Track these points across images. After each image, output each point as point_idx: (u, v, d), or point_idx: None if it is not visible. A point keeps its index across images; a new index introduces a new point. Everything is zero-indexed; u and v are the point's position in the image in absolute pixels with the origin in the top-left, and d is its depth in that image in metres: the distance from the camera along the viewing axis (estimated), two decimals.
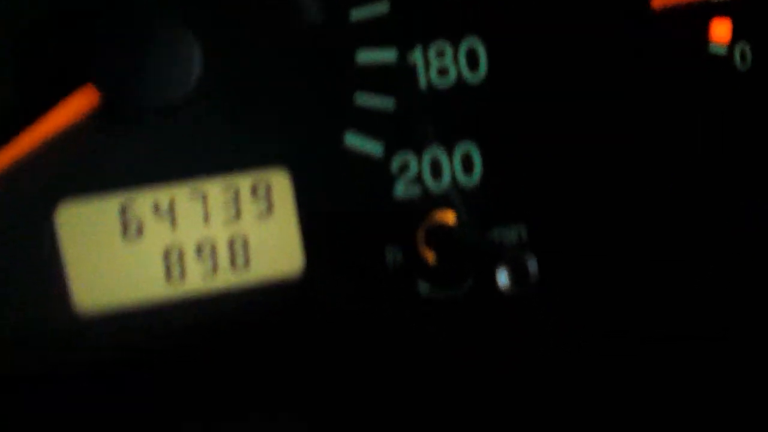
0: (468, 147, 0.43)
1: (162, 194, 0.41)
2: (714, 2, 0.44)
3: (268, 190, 0.42)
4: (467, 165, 0.43)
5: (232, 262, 0.42)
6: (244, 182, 0.42)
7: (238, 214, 0.42)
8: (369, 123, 0.42)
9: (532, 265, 0.37)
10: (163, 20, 0.38)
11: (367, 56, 0.42)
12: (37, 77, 0.39)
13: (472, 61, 0.43)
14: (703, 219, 0.46)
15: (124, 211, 0.41)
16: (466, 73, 0.43)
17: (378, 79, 0.42)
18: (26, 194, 0.40)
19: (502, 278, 0.37)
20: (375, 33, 0.42)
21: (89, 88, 0.38)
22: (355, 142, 0.42)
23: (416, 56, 0.42)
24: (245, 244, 0.42)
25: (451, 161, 0.43)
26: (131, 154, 0.41)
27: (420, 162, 0.43)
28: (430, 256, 0.43)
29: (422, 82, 0.43)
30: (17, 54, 0.39)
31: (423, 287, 0.44)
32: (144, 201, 0.41)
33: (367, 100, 0.42)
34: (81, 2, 0.39)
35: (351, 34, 0.42)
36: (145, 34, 0.38)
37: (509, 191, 0.44)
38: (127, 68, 0.38)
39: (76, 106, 0.38)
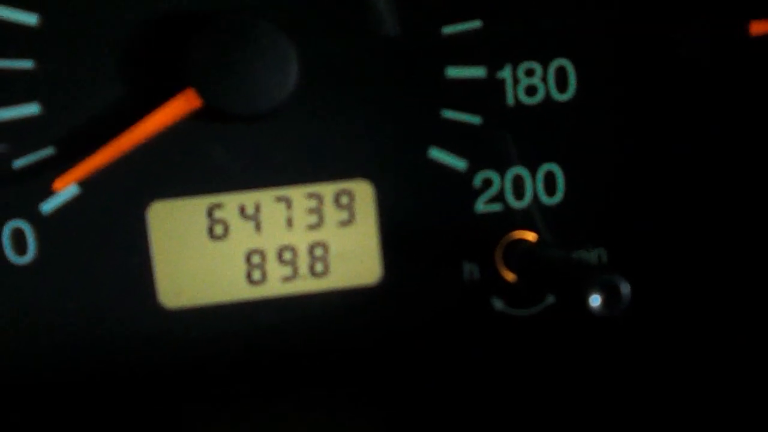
0: (552, 167, 0.43)
1: (248, 198, 0.42)
2: None
3: (351, 199, 0.43)
4: (550, 185, 0.43)
5: (312, 268, 0.43)
6: (327, 191, 0.42)
7: (320, 221, 0.43)
8: (454, 138, 0.43)
9: (625, 288, 0.36)
10: (264, 31, 0.39)
11: (457, 72, 0.42)
12: (141, 79, 0.41)
13: (561, 81, 0.43)
14: None
15: (211, 212, 0.42)
16: (555, 92, 0.43)
17: (466, 94, 0.42)
18: (122, 190, 0.41)
19: (595, 300, 0.36)
20: (466, 49, 0.42)
21: (190, 92, 0.39)
22: (440, 156, 0.43)
23: (505, 74, 0.43)
24: (325, 251, 0.43)
25: (534, 180, 0.43)
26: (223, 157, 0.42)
27: (503, 179, 0.43)
28: (508, 274, 0.43)
29: (510, 99, 0.43)
30: (123, 57, 0.41)
31: (498, 304, 0.44)
32: (231, 204, 0.42)
33: (453, 115, 0.43)
34: (184, 10, 0.40)
35: (442, 49, 0.42)
36: (246, 44, 0.39)
37: (591, 214, 0.44)
38: (227, 75, 0.39)
39: (176, 108, 0.39)
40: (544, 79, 0.43)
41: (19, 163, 0.40)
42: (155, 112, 0.39)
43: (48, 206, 0.41)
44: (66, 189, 0.40)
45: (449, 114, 0.43)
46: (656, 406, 0.43)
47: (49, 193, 0.40)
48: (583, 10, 0.42)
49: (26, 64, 0.40)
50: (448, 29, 0.42)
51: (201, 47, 0.39)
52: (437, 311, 0.44)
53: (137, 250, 0.42)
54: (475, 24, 0.42)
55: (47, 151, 0.40)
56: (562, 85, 0.43)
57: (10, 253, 0.41)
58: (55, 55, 0.40)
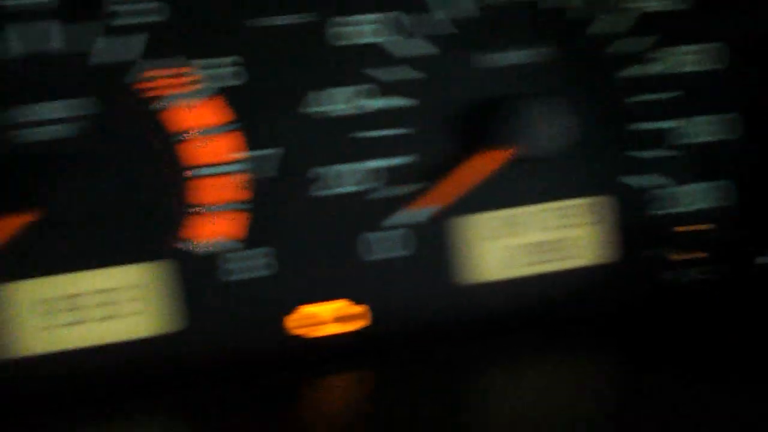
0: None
1: (517, 210, 0.63)
2: None
3: (589, 209, 0.63)
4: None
5: (558, 253, 0.63)
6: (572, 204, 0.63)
7: (565, 223, 0.63)
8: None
9: None
10: (552, 104, 0.58)
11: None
12: (473, 141, 0.60)
13: None
14: None
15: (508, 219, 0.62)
16: None
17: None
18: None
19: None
20: None
21: (501, 147, 0.58)
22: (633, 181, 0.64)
23: None
24: (567, 243, 0.63)
25: None
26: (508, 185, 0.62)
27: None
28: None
29: None
30: (460, 130, 0.60)
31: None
32: (508, 214, 0.63)
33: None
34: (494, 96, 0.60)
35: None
36: (543, 114, 0.58)
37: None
38: (530, 132, 0.59)
39: (495, 157, 0.59)
40: None
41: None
42: (483, 162, 0.58)
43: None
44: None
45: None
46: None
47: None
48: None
49: None
50: None
51: (512, 118, 0.58)
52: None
53: (450, 249, 0.62)
54: None
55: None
56: None
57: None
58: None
